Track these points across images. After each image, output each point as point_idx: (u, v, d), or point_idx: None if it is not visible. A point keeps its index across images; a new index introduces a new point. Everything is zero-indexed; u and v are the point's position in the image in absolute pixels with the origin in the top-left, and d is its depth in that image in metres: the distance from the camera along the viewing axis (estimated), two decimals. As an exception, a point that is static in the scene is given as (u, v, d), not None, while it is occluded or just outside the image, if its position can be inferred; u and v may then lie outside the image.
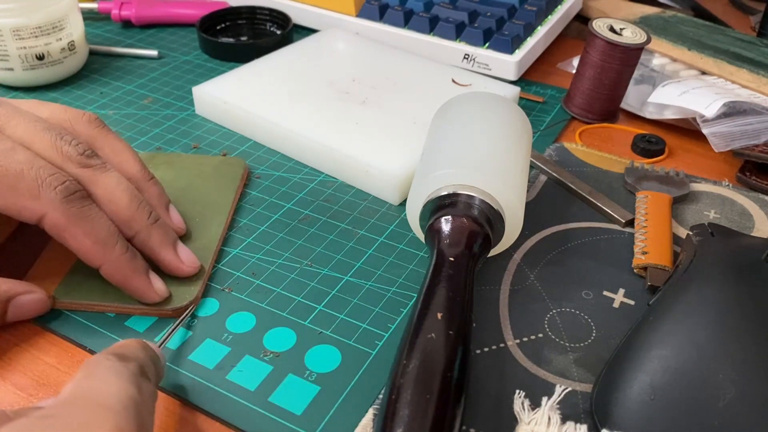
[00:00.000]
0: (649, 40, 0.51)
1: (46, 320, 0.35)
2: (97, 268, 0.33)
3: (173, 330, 0.33)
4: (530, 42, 0.60)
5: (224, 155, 0.48)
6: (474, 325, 0.35)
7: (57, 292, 0.35)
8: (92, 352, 0.33)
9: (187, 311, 0.35)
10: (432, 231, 0.35)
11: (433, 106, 0.49)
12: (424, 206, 0.36)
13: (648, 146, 0.50)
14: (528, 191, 0.45)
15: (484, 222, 0.34)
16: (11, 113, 0.34)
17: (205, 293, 0.37)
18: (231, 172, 0.45)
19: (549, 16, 0.65)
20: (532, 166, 0.47)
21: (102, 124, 0.37)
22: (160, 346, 0.31)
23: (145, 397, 0.25)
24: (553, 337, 0.34)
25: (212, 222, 0.40)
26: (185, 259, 0.36)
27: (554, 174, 0.46)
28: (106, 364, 0.25)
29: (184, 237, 0.39)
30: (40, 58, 0.54)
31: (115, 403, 0.22)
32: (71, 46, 0.56)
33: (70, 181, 0.32)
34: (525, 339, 0.34)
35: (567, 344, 0.34)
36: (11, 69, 0.54)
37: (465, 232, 0.34)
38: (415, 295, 0.35)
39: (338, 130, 0.48)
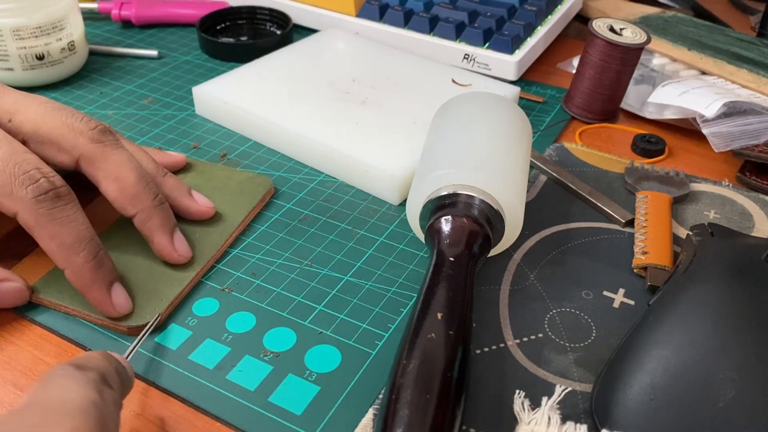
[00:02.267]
0: (649, 40, 0.51)
1: (47, 320, 0.35)
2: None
3: (136, 345, 0.32)
4: (530, 42, 0.60)
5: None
6: (474, 325, 0.35)
7: (36, 287, 0.35)
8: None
9: (146, 330, 0.33)
10: (432, 231, 0.35)
11: (433, 106, 0.49)
12: (424, 206, 0.36)
13: (648, 146, 0.50)
14: (528, 191, 0.45)
15: (484, 222, 0.34)
16: (23, 99, 0.35)
17: (205, 293, 0.37)
18: (253, 190, 0.43)
19: (549, 16, 0.65)
20: (532, 166, 0.47)
21: (116, 132, 0.38)
22: (127, 358, 0.30)
23: (107, 403, 0.24)
24: (553, 337, 0.34)
25: (210, 238, 0.39)
26: (178, 247, 0.37)
27: (554, 174, 0.46)
28: (62, 373, 0.24)
29: None
30: (40, 58, 0.54)
31: (71, 407, 0.21)
32: (71, 46, 0.56)
33: (45, 179, 0.32)
34: (525, 339, 0.34)
35: (567, 344, 0.34)
36: (11, 69, 0.54)
37: (465, 232, 0.34)
38: (415, 295, 0.35)
39: (338, 130, 0.48)
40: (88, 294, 0.33)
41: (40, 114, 0.34)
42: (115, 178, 0.34)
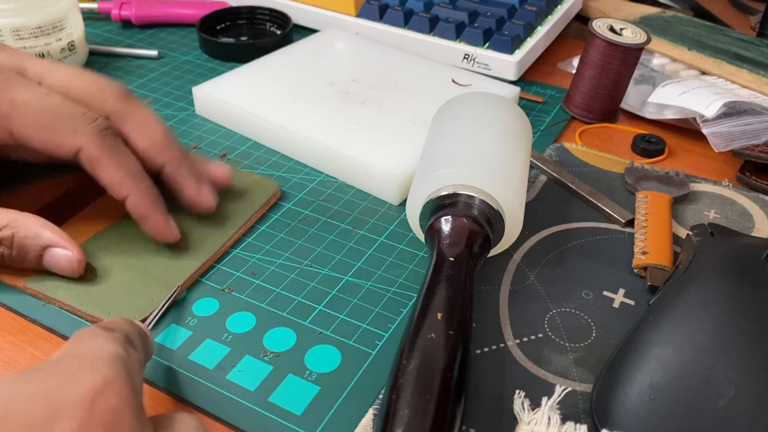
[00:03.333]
0: (649, 40, 0.51)
1: (46, 320, 0.35)
2: (122, 200, 0.36)
3: (157, 313, 0.34)
4: (530, 42, 0.60)
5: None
6: (474, 325, 0.35)
7: (30, 280, 0.35)
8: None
9: (167, 300, 0.35)
10: (432, 231, 0.35)
11: (433, 106, 0.49)
12: (424, 206, 0.36)
13: (648, 146, 0.50)
14: (528, 191, 0.45)
15: (484, 222, 0.34)
16: (50, 65, 0.37)
17: (205, 293, 0.37)
18: (259, 193, 0.43)
19: (549, 16, 0.65)
20: (532, 166, 0.47)
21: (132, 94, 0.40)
22: (148, 326, 0.32)
23: (132, 360, 0.25)
24: (553, 337, 0.34)
25: (207, 240, 0.39)
26: (205, 196, 0.39)
27: (554, 174, 0.46)
28: (91, 332, 0.26)
29: (174, 247, 0.38)
30: (40, 58, 0.54)
31: (102, 357, 0.22)
32: (71, 46, 0.56)
33: (102, 118, 0.35)
34: (525, 339, 0.34)
35: (567, 344, 0.34)
36: (11, 69, 0.54)
37: (465, 232, 0.34)
38: (415, 295, 0.35)
39: (338, 130, 0.48)
40: (150, 219, 0.36)
41: (69, 76, 0.36)
42: (144, 130, 0.37)
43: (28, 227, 0.34)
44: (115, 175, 0.35)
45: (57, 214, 0.39)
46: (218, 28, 0.66)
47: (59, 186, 0.41)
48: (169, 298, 0.35)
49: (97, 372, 0.19)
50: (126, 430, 0.18)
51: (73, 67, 0.38)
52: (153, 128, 0.37)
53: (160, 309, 0.34)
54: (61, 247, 0.35)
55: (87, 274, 0.36)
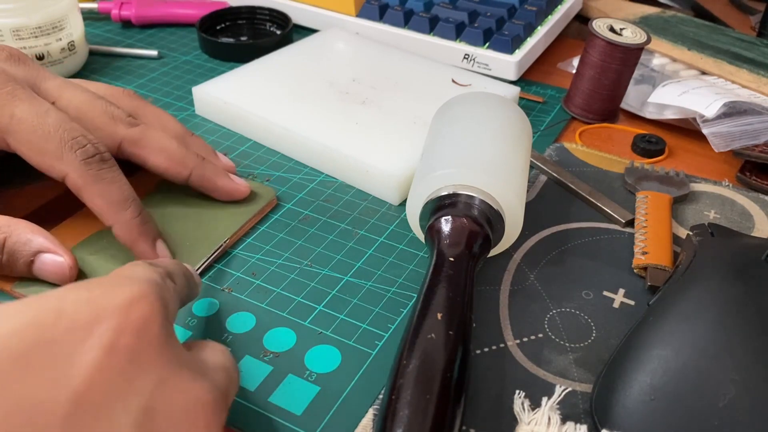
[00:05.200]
0: (649, 40, 0.51)
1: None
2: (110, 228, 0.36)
3: (207, 260, 0.37)
4: (530, 42, 0.60)
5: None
6: (474, 325, 0.35)
7: (17, 285, 0.35)
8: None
9: (215, 251, 0.38)
10: (432, 231, 0.35)
11: (433, 106, 0.49)
12: (424, 206, 0.36)
13: (648, 146, 0.50)
14: (528, 191, 0.45)
15: (484, 222, 0.34)
16: (65, 85, 0.38)
17: (205, 293, 0.37)
18: (255, 200, 0.42)
19: (549, 16, 0.65)
20: (532, 166, 0.47)
21: (141, 97, 0.42)
22: (197, 270, 0.34)
23: (168, 289, 0.26)
24: (553, 337, 0.34)
25: (198, 247, 0.39)
26: (239, 182, 0.41)
27: (554, 174, 0.46)
28: (135, 262, 0.27)
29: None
30: (40, 58, 0.54)
31: (140, 278, 0.24)
32: (71, 46, 0.56)
33: (91, 145, 0.35)
34: (525, 339, 0.34)
35: (567, 344, 0.34)
36: (11, 69, 0.54)
37: (465, 233, 0.34)
38: (415, 295, 0.35)
39: (338, 130, 0.48)
40: (136, 247, 0.36)
41: (82, 101, 0.37)
42: (160, 150, 0.38)
43: (19, 232, 0.34)
44: (96, 204, 0.35)
45: (47, 219, 0.38)
46: (218, 28, 0.66)
47: (49, 191, 0.41)
48: (216, 251, 0.38)
49: (134, 287, 0.22)
50: (154, 338, 0.21)
51: (87, 91, 0.38)
52: (166, 146, 0.38)
53: (212, 255, 0.37)
54: (53, 253, 0.34)
55: (77, 279, 0.36)
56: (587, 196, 0.44)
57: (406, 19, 0.62)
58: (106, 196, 0.35)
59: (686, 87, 0.52)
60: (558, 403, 0.30)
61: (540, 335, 0.34)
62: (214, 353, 0.27)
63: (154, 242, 0.36)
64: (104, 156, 0.35)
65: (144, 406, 0.20)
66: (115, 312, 0.20)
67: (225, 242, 0.38)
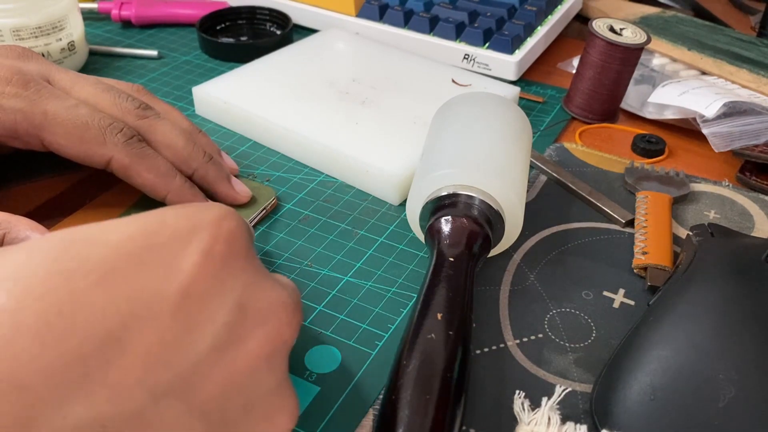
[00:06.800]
0: (649, 40, 0.51)
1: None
2: (162, 199, 0.38)
3: (257, 215, 0.40)
4: (530, 42, 0.60)
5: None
6: (474, 325, 0.35)
7: None
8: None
9: (263, 207, 0.41)
10: (432, 231, 0.35)
11: (433, 106, 0.49)
12: (424, 206, 0.36)
13: (648, 146, 0.50)
14: (528, 191, 0.45)
15: (484, 222, 0.34)
16: (75, 78, 0.39)
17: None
18: (255, 201, 0.42)
19: (549, 16, 0.65)
20: (532, 166, 0.47)
21: (149, 92, 0.42)
22: (251, 223, 0.37)
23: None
24: (553, 337, 0.34)
25: None
26: (240, 190, 0.42)
27: (554, 174, 0.46)
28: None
29: None
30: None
31: (221, 205, 0.26)
32: (71, 47, 0.56)
33: (127, 128, 0.37)
34: (525, 339, 0.34)
35: (567, 344, 0.34)
36: (11, 69, 0.54)
37: (465, 233, 0.34)
38: (415, 295, 0.35)
39: (338, 130, 0.48)
40: None
41: (92, 93, 0.38)
42: (167, 146, 0.39)
43: (18, 229, 0.34)
44: (147, 179, 0.37)
45: (47, 216, 0.39)
46: (218, 28, 0.66)
47: (49, 189, 0.41)
48: (266, 206, 0.40)
49: (222, 208, 0.24)
50: (241, 249, 0.23)
51: (98, 84, 0.39)
52: (173, 142, 0.39)
53: (261, 211, 0.39)
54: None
55: None
56: (587, 196, 0.44)
57: (406, 19, 0.62)
58: (154, 169, 0.37)
59: (686, 87, 0.52)
60: (558, 403, 0.30)
61: (540, 335, 0.34)
62: (286, 279, 0.29)
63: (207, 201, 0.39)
64: (140, 137, 0.37)
65: (236, 302, 0.23)
66: (209, 224, 0.23)
67: (274, 198, 0.39)
